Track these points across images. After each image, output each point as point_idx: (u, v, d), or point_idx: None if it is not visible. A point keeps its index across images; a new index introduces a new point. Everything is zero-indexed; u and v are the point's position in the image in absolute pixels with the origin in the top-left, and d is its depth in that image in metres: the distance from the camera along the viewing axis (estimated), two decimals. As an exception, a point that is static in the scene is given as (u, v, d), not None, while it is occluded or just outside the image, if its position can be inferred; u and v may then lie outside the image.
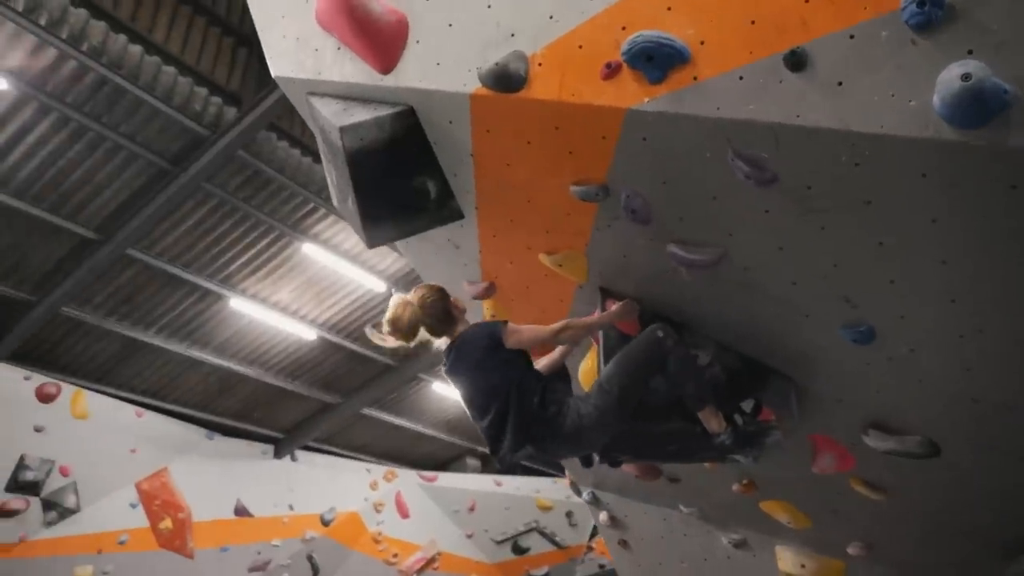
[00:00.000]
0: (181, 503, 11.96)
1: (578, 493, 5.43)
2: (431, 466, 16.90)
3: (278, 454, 13.73)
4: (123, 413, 11.21)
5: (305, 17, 3.34)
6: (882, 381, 2.84)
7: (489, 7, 2.81)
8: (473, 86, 2.80)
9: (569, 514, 17.61)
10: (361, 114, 3.07)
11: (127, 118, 7.73)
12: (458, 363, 3.16)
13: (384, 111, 3.06)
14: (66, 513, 10.63)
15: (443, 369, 3.26)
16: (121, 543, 11.18)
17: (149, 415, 11.55)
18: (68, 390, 10.44)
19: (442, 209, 3.35)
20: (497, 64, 2.70)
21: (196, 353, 11.05)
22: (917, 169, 2.12)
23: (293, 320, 11.12)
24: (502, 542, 17.13)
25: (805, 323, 2.80)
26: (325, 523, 14.05)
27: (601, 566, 20.09)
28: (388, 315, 3.18)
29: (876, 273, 2.46)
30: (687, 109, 2.38)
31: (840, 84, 2.16)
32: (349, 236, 10.20)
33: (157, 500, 11.74)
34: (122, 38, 7.31)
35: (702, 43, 2.38)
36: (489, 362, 3.06)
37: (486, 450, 3.22)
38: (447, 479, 16.51)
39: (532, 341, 3.13)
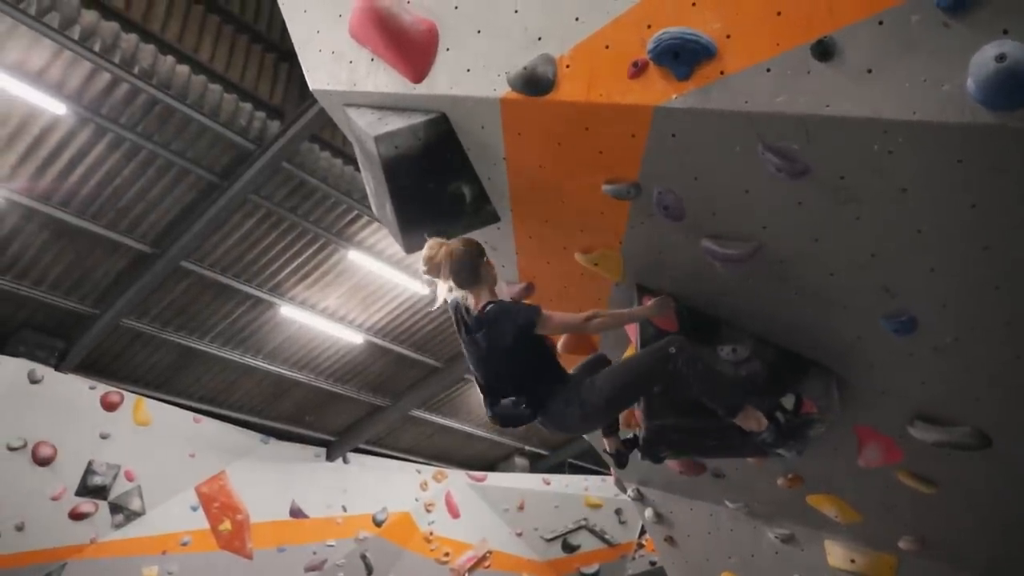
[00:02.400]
0: (239, 505, 12.33)
1: (623, 490, 5.43)
2: (479, 466, 17.04)
3: (330, 456, 14.02)
4: (182, 419, 11.63)
5: (339, 31, 3.44)
6: (927, 371, 2.78)
7: (516, 12, 2.86)
8: (503, 90, 2.85)
9: (618, 511, 17.52)
10: (395, 122, 3.15)
11: (177, 136, 8.03)
12: (484, 334, 3.08)
13: (417, 119, 3.13)
14: (132, 516, 11.08)
15: (460, 327, 3.20)
16: (184, 544, 11.59)
17: (206, 421, 11.95)
18: (130, 398, 10.89)
19: (478, 213, 3.40)
20: (525, 68, 2.74)
21: (249, 360, 11.38)
22: (953, 155, 2.09)
23: (341, 325, 11.36)
24: (552, 540, 17.14)
25: (844, 315, 2.77)
26: (377, 523, 14.31)
27: (652, 563, 19.91)
28: (423, 255, 3.19)
29: (916, 261, 2.42)
30: (715, 104, 2.39)
31: (870, 72, 2.14)
32: (392, 242, 10.35)
33: (216, 503, 12.14)
34: (170, 59, 7.59)
35: (728, 37, 2.38)
36: (518, 345, 3.04)
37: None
38: (496, 478, 16.62)
39: (562, 327, 3.18)
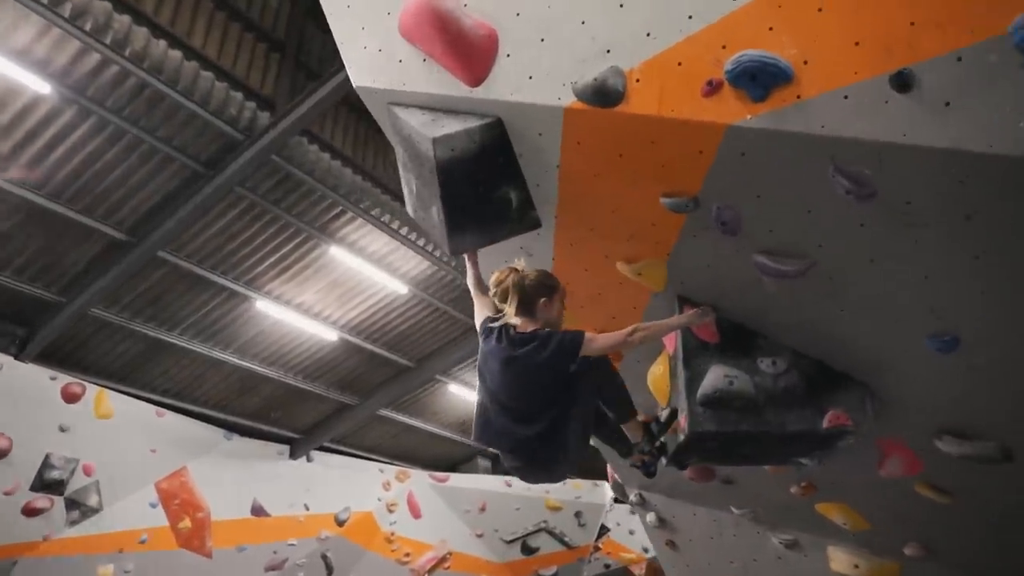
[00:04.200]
0: (200, 503, 12.02)
1: (622, 495, 5.51)
2: (442, 467, 17.00)
3: (294, 454, 13.81)
4: (144, 413, 11.28)
5: (387, 29, 3.41)
6: (960, 388, 2.94)
7: (583, 23, 2.90)
8: (568, 100, 2.88)
9: (578, 514, 17.76)
10: (452, 125, 3.15)
11: (164, 122, 7.80)
12: (532, 350, 3.02)
13: (474, 122, 3.14)
14: (89, 512, 10.69)
15: (495, 342, 3.15)
16: (141, 542, 11.25)
17: (169, 415, 11.62)
18: (92, 390, 10.51)
19: (522, 219, 3.42)
20: (596, 79, 2.78)
21: (219, 354, 11.12)
22: (1023, 186, 2.22)
23: (316, 321, 11.20)
24: (512, 542, 17.24)
25: (888, 332, 2.90)
26: (340, 523, 14.14)
27: (607, 566, 20.21)
28: (493, 277, 3.27)
29: (968, 285, 2.56)
30: (790, 127, 2.47)
31: (948, 104, 2.26)
32: (375, 239, 10.30)
33: (176, 500, 11.81)
34: (162, 43, 7.38)
35: (805, 63, 2.47)
36: (559, 374, 2.99)
37: (495, 450, 3.30)
38: (458, 480, 16.61)
39: (605, 349, 3.07)
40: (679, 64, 2.69)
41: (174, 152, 8.12)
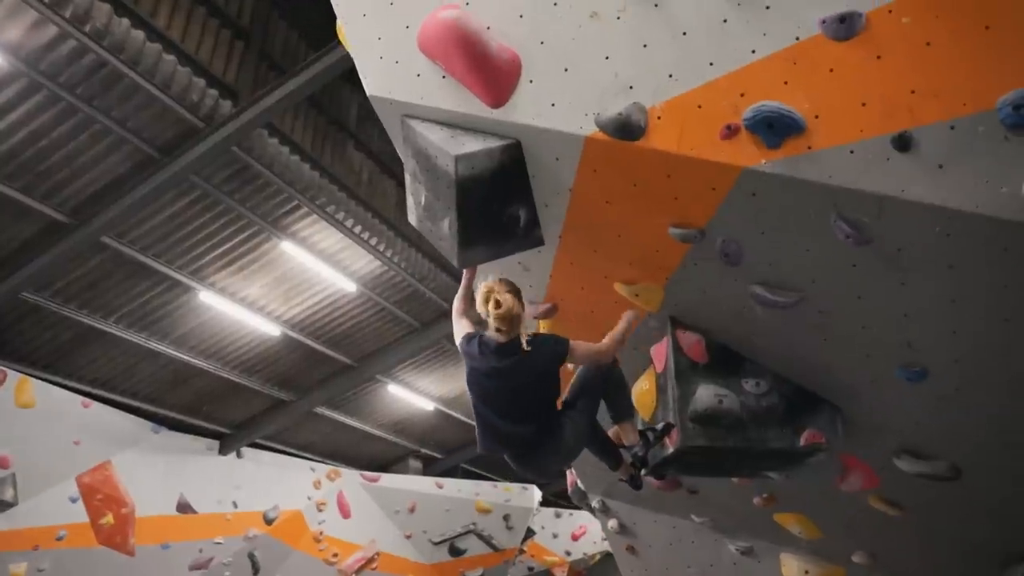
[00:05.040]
0: (124, 498, 11.54)
1: (581, 500, 5.72)
2: (374, 466, 16.88)
3: (223, 450, 13.44)
4: (69, 403, 10.73)
5: (405, 42, 3.49)
6: (925, 414, 3.28)
7: (607, 58, 3.07)
8: (589, 130, 3.06)
9: (506, 517, 17.96)
10: (473, 144, 3.26)
11: (121, 103, 7.51)
12: (517, 368, 3.21)
13: (494, 142, 3.27)
14: (2, 507, 10.10)
15: (483, 361, 3.27)
16: (59, 539, 10.70)
17: (96, 406, 11.10)
18: (14, 377, 9.93)
19: (527, 236, 3.57)
20: (620, 114, 2.96)
21: (154, 344, 10.72)
22: (1001, 244, 2.54)
23: (259, 316, 10.97)
24: (439, 543, 17.30)
25: (864, 361, 3.21)
26: (268, 521, 13.84)
27: (530, 568, 20.55)
28: (503, 309, 3.21)
29: (942, 324, 2.88)
30: (801, 174, 2.73)
31: (941, 167, 2.56)
32: (327, 236, 10.19)
33: (99, 494, 11.28)
34: (125, 22, 7.11)
35: (816, 117, 2.73)
36: (547, 377, 3.28)
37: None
38: (389, 480, 16.53)
39: (587, 357, 3.36)
40: (699, 106, 2.90)
41: (127, 134, 7.83)
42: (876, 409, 3.42)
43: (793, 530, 4.41)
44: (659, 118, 2.95)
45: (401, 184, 11.88)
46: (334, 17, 3.81)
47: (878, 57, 2.67)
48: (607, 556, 22.63)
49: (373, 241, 10.64)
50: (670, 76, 2.96)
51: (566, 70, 3.15)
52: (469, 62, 3.24)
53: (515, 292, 3.33)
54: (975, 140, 2.52)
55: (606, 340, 3.43)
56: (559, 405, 3.45)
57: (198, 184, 8.62)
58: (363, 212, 10.37)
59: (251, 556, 13.54)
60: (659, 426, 3.40)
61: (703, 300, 3.43)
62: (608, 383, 3.49)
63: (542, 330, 4.25)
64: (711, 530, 4.92)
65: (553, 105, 3.16)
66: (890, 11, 2.67)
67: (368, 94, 3.64)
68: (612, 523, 5.44)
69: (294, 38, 9.54)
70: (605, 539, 21.21)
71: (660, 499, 4.87)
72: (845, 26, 2.70)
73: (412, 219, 3.85)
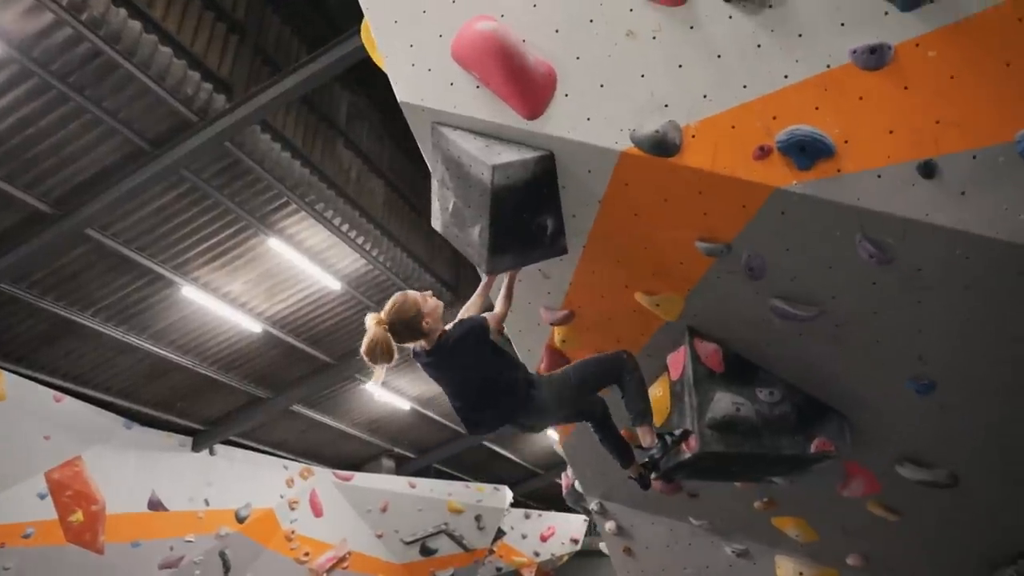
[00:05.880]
0: (95, 495, 11.28)
1: (576, 502, 5.83)
2: (348, 465, 16.78)
3: (196, 447, 13.22)
4: (41, 397, 10.45)
5: (438, 50, 3.55)
6: (928, 424, 3.47)
7: (643, 76, 3.19)
8: (624, 145, 3.16)
9: (478, 518, 18.03)
10: (508, 154, 3.34)
11: (114, 93, 7.39)
12: (450, 360, 3.49)
13: (529, 153, 3.36)
14: (-33, 504, 9.81)
15: (424, 363, 3.56)
16: (26, 536, 10.41)
17: (68, 400, 10.84)
18: (-15, 370, 9.68)
19: (553, 245, 3.67)
20: (657, 131, 3.08)
21: (132, 338, 10.52)
22: (1017, 268, 2.72)
23: (241, 312, 10.85)
24: (411, 543, 17.27)
25: (875, 373, 3.38)
26: (240, 519, 13.66)
27: (499, 569, 20.65)
28: (365, 345, 3.31)
29: (953, 340, 3.06)
30: (830, 196, 2.88)
31: (963, 194, 2.73)
32: (315, 234, 10.15)
33: (68, 491, 11.02)
34: (122, 11, 7.01)
35: (846, 142, 2.88)
36: (483, 356, 3.50)
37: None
38: (362, 479, 16.45)
39: (498, 320, 3.68)
40: (733, 127, 3.03)
41: (118, 125, 7.70)
42: (883, 418, 3.59)
43: (790, 533, 4.59)
44: (693, 136, 3.08)
45: (388, 184, 11.94)
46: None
47: (905, 88, 2.83)
48: (575, 556, 22.88)
49: (360, 240, 10.62)
50: (704, 96, 3.08)
51: (602, 86, 3.25)
52: (506, 74, 3.32)
53: (395, 316, 3.40)
54: (996, 169, 2.69)
55: (499, 302, 3.77)
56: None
57: (188, 178, 8.51)
58: (351, 210, 10.35)
59: (222, 555, 13.36)
60: (677, 432, 3.52)
61: (722, 311, 3.57)
62: (624, 387, 3.60)
63: (556, 337, 4.36)
64: (708, 532, 5.08)
65: (588, 119, 3.26)
66: (917, 45, 2.84)
67: (399, 100, 3.68)
68: (610, 525, 5.56)
69: (287, 33, 9.49)
70: (574, 540, 21.47)
71: (659, 502, 5.01)
72: (875, 57, 2.86)
73: (436, 225, 3.91)
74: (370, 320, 3.41)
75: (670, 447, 3.53)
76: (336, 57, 7.66)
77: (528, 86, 3.32)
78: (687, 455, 3.56)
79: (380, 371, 3.41)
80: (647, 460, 3.68)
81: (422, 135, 3.81)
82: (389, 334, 3.35)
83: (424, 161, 3.96)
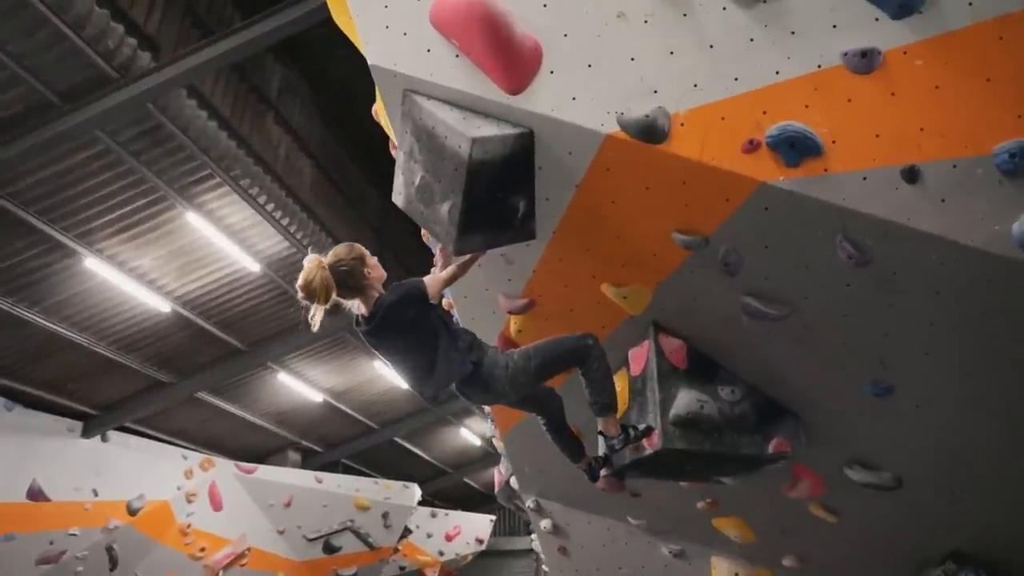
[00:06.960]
0: (-34, 482, 10.24)
1: (509, 500, 5.69)
2: (251, 457, 16.01)
3: (87, 432, 12.23)
4: (-92, 373, 9.42)
5: (417, 14, 3.34)
6: (881, 427, 3.55)
7: (632, 60, 3.10)
8: (610, 128, 3.06)
9: (385, 515, 17.61)
10: (487, 128, 3.17)
11: (22, 37, 6.67)
12: (386, 326, 3.35)
13: (508, 129, 3.20)
14: None
15: (363, 332, 3.41)
16: None
17: (-59, 378, 9.81)
18: None
19: (522, 228, 3.52)
20: (647, 116, 2.99)
21: (21, 310, 9.58)
22: (986, 276, 2.80)
23: (149, 289, 10.11)
24: (314, 540, 16.66)
25: (837, 375, 3.42)
26: (132, 512, 12.74)
27: (402, 568, 20.29)
28: (300, 278, 3.20)
29: (917, 345, 3.13)
30: (815, 193, 2.87)
31: (943, 201, 2.78)
32: (237, 211, 9.59)
33: (-65, 477, 9.96)
34: (40, -53, 6.35)
35: (833, 142, 2.89)
36: (421, 319, 3.35)
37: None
38: (266, 472, 15.72)
39: (440, 285, 3.51)
40: (722, 118, 2.99)
41: (24, 73, 6.97)
42: (838, 420, 3.66)
43: (730, 534, 4.63)
44: (682, 125, 3.01)
45: (317, 165, 11.45)
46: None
47: (892, 93, 2.87)
48: (479, 556, 22.80)
49: (285, 221, 10.13)
50: (695, 85, 3.03)
51: (590, 66, 3.14)
52: (491, 44, 3.15)
53: (341, 258, 3.29)
54: (974, 180, 2.76)
55: (450, 268, 3.56)
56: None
57: (101, 139, 7.81)
58: (278, 189, 9.85)
59: (109, 549, 12.42)
60: (641, 426, 3.45)
61: (691, 306, 3.53)
62: (590, 375, 3.48)
63: (512, 326, 4.21)
64: (645, 532, 5.07)
65: (574, 99, 3.14)
66: (905, 52, 2.89)
67: (369, 63, 3.44)
68: (545, 523, 5.46)
69: (221, -2, 8.92)
70: (479, 540, 21.35)
71: (599, 500, 4.96)
72: (865, 61, 2.88)
73: (399, 200, 3.69)
74: (309, 259, 3.24)
75: (632, 439, 3.45)
76: (273, 26, 7.25)
77: (512, 59, 3.16)
78: (647, 451, 3.50)
79: (319, 312, 3.23)
80: (608, 450, 3.59)
81: (392, 103, 3.58)
82: (329, 273, 3.21)
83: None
